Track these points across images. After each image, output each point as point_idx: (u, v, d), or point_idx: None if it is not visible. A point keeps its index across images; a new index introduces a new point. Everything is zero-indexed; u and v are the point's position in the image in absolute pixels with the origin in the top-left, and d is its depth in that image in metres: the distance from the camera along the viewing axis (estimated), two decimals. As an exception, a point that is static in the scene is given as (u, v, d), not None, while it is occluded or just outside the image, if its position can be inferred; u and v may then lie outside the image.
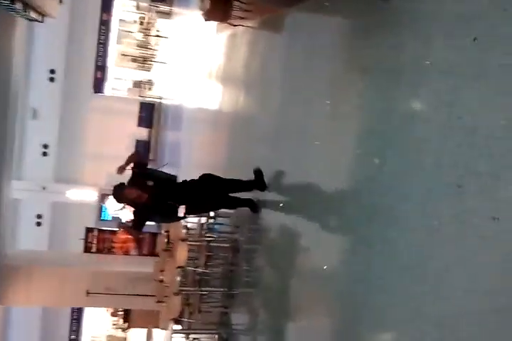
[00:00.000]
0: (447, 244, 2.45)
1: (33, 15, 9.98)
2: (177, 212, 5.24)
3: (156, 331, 7.32)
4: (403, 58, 3.08)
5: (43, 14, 10.50)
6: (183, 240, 5.35)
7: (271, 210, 5.44)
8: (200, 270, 6.09)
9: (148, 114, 21.41)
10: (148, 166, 5.64)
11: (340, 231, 3.79)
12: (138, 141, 21.36)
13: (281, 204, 5.07)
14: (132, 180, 5.28)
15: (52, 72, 21.12)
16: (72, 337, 21.40)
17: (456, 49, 2.55)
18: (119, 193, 5.25)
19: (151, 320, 10.15)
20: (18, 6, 8.94)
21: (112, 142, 20.98)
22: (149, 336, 7.38)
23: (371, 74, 3.48)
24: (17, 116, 19.61)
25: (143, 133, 21.76)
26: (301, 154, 4.83)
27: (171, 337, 5.61)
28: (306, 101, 4.79)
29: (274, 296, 5.09)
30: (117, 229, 10.27)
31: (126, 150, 21.06)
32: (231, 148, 8.18)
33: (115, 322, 20.21)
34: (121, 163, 5.39)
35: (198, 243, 6.22)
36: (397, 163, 3.02)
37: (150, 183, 5.14)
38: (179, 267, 5.42)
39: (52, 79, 21.29)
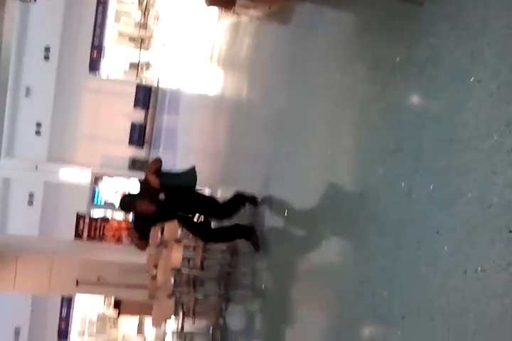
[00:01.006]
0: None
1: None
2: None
3: (147, 322, 7.07)
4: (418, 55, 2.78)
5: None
6: (178, 241, 5.06)
7: (273, 213, 5.16)
8: (195, 272, 5.80)
9: (145, 96, 21.00)
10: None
11: (343, 237, 3.52)
12: (133, 124, 20.98)
13: (285, 210, 4.79)
14: (144, 191, 5.01)
15: (47, 50, 20.67)
16: (63, 314, 21.30)
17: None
18: (129, 204, 4.98)
19: (142, 309, 9.93)
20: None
21: (107, 123, 20.65)
22: (140, 328, 7.14)
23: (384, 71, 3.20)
24: (9, 93, 19.32)
25: (139, 115, 21.39)
26: (303, 145, 4.54)
27: (164, 336, 5.34)
28: (311, 95, 4.50)
29: (271, 300, 4.84)
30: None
31: (121, 132, 20.78)
32: (230, 135, 7.87)
33: (106, 302, 20.16)
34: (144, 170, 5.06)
35: (193, 243, 5.91)
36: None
37: (162, 197, 4.89)
38: (173, 268, 5.13)
39: (47, 58, 20.86)
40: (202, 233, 5.32)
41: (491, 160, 2.20)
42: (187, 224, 5.29)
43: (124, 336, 20.98)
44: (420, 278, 2.54)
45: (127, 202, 5.07)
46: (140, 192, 5.07)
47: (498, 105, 2.21)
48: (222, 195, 7.60)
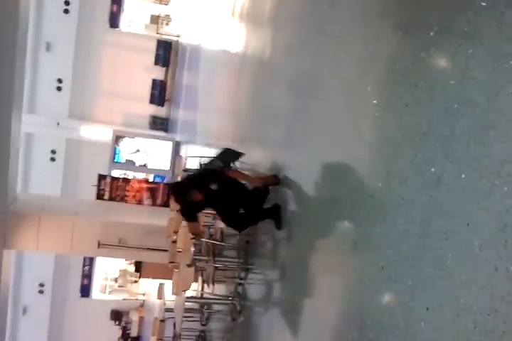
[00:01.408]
0: None
1: None
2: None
3: (167, 287, 7.16)
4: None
5: None
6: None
7: (294, 184, 5.04)
8: (215, 241, 5.79)
9: (166, 52, 20.66)
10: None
11: (366, 217, 3.40)
12: (154, 80, 20.75)
13: (307, 181, 4.64)
14: (198, 179, 4.99)
15: (66, 3, 20.33)
16: (85, 269, 21.83)
17: None
18: (180, 192, 4.96)
19: (162, 272, 10.08)
20: None
21: (128, 80, 20.48)
22: (160, 292, 7.24)
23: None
24: (29, 48, 19.17)
25: (159, 72, 21.13)
26: (326, 111, 4.36)
27: (184, 303, 5.37)
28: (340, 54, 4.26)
29: (290, 270, 4.80)
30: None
31: (141, 90, 20.61)
32: (252, 93, 7.69)
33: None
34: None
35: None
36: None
37: (214, 187, 4.87)
38: (193, 238, 5.10)
39: (66, 11, 20.54)
40: (237, 225, 5.33)
41: (529, 154, 2.05)
42: (227, 216, 5.29)
43: (145, 293, 21.49)
44: (447, 271, 2.44)
45: (179, 192, 5.06)
46: (193, 179, 5.04)
47: (541, 94, 2.04)
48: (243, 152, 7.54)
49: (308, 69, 5.05)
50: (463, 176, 2.42)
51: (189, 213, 5.13)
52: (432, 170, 2.66)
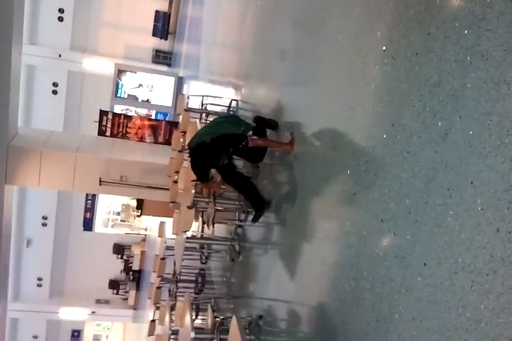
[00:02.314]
0: None
1: None
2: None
3: (168, 225, 7.24)
4: None
5: None
6: (189, 148, 4.90)
7: (296, 125, 4.95)
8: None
9: (170, -18, 19.93)
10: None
11: (370, 169, 3.33)
12: (157, 12, 20.12)
13: (311, 131, 4.53)
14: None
15: None
16: (88, 203, 22.12)
17: None
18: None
19: (163, 210, 10.16)
20: None
21: (130, 11, 19.87)
22: (161, 230, 7.32)
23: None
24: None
25: (163, 3, 20.45)
26: (333, 51, 4.20)
27: (184, 242, 5.42)
28: None
29: (291, 214, 4.81)
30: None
31: (144, 21, 20.04)
32: (258, 28, 7.42)
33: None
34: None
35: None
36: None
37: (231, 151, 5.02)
38: (194, 180, 5.06)
39: None
40: (231, 178, 5.34)
41: (543, 114, 1.96)
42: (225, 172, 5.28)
43: (147, 228, 21.85)
44: (447, 228, 2.41)
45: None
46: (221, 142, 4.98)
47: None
48: (246, 91, 7.41)
49: (317, 7, 4.84)
50: (471, 132, 2.34)
51: (201, 172, 5.07)
52: (439, 124, 2.57)
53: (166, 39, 20.48)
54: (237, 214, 6.24)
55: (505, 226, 2.07)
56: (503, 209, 2.09)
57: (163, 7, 20.48)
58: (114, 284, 22.97)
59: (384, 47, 3.28)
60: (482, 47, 2.31)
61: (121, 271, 23.19)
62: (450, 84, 2.52)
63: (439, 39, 2.65)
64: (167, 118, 15.88)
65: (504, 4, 2.19)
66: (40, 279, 22.08)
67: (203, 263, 8.11)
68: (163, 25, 20.10)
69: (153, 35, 20.24)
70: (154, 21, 20.14)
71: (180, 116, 7.72)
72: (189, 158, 5.26)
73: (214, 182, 5.33)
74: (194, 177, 5.08)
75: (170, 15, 20.31)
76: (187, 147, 5.16)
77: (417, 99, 2.78)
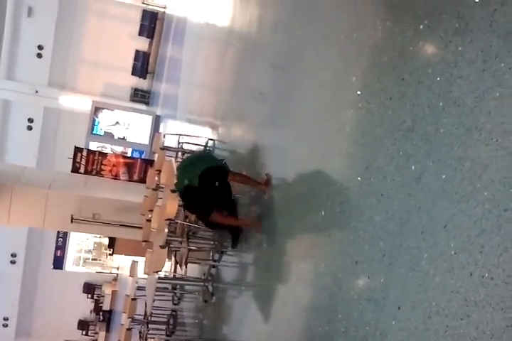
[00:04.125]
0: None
1: None
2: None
3: (140, 264, 7.12)
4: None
5: None
6: (174, 192, 4.89)
7: (271, 166, 4.98)
8: (189, 223, 5.73)
9: (151, 23, 20.20)
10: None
11: (344, 212, 3.34)
12: (137, 51, 20.35)
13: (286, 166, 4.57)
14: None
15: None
16: (59, 240, 21.67)
17: None
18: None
19: (135, 249, 10.01)
20: None
21: (110, 50, 20.06)
22: (133, 270, 7.18)
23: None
24: (9, 12, 18.63)
25: (143, 43, 20.71)
26: (309, 96, 4.27)
27: (156, 282, 5.32)
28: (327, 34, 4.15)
29: (265, 255, 4.78)
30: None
31: (124, 60, 20.23)
32: (236, 71, 7.54)
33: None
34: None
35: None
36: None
37: (217, 184, 4.95)
38: (168, 219, 5.02)
39: (50, -25, 19.91)
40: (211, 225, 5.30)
41: (512, 160, 2.00)
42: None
43: (119, 267, 21.43)
44: (421, 272, 2.41)
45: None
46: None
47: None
48: (223, 131, 7.45)
49: (294, 51, 4.94)
50: (443, 177, 2.37)
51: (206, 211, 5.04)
52: (413, 167, 2.61)
53: (145, 78, 20.66)
54: (211, 254, 6.16)
55: (478, 270, 2.07)
56: (476, 254, 2.10)
57: (143, 46, 20.73)
58: (83, 325, 22.29)
59: (359, 92, 3.36)
60: (454, 93, 2.37)
61: (91, 311, 22.55)
62: (423, 129, 2.57)
63: (413, 84, 2.72)
64: (143, 156, 15.85)
65: (475, 53, 2.27)
66: (6, 319, 21.34)
67: (175, 304, 7.94)
68: (142, 64, 20.30)
69: (133, 73, 20.40)
70: (134, 60, 20.33)
71: (156, 155, 7.71)
72: (181, 202, 5.29)
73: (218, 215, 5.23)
74: (168, 216, 5.04)
75: (149, 54, 20.55)
76: (174, 191, 5.10)
77: (391, 143, 2.83)
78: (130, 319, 7.23)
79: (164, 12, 20.73)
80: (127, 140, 16.44)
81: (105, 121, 16.14)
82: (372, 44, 3.27)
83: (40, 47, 20.35)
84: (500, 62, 2.13)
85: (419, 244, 2.45)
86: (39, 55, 20.41)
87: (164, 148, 7.32)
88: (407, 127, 2.70)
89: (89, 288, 22.58)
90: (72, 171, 10.95)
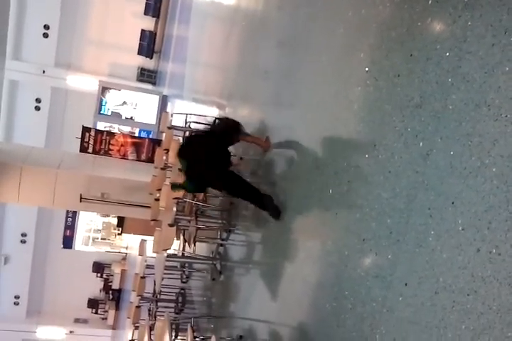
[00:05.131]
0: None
1: None
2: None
3: (149, 243, 7.18)
4: None
5: None
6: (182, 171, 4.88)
7: (281, 146, 4.97)
8: (198, 202, 5.74)
9: (156, 1, 20.02)
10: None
11: (352, 188, 3.33)
12: (143, 31, 20.20)
13: (293, 146, 4.55)
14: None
15: None
16: (69, 220, 21.84)
17: None
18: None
19: (144, 228, 10.08)
20: None
21: (116, 30, 19.92)
22: (142, 248, 7.25)
23: None
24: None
25: (149, 22, 20.55)
26: (317, 74, 4.24)
27: (164, 260, 5.37)
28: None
29: (273, 233, 4.79)
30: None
31: (130, 40, 20.10)
32: (242, 49, 7.49)
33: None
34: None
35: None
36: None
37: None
38: (176, 198, 5.04)
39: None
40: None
41: (522, 136, 1.99)
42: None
43: (128, 246, 21.59)
44: (428, 248, 2.42)
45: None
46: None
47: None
48: (230, 110, 7.42)
49: (300, 28, 4.89)
50: (452, 153, 2.36)
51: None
52: (421, 144, 2.60)
53: (152, 58, 20.54)
54: (219, 232, 6.20)
55: (485, 246, 2.08)
56: (483, 230, 2.10)
57: (149, 26, 20.58)
58: (93, 303, 22.58)
59: (367, 69, 3.33)
60: (463, 69, 2.34)
61: (100, 290, 22.82)
62: (431, 106, 2.55)
63: (421, 61, 2.69)
64: (150, 136, 15.85)
65: (484, 28, 2.24)
66: (17, 297, 21.63)
67: (183, 282, 8.02)
68: (148, 44, 20.16)
69: (139, 53, 20.27)
70: (140, 40, 20.19)
71: (164, 134, 7.71)
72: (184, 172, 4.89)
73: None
74: (176, 194, 5.06)
75: (156, 34, 20.40)
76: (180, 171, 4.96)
77: (399, 120, 2.81)
78: (139, 297, 7.31)
79: (170, -10, 20.52)
80: (135, 120, 16.42)
81: (112, 101, 16.11)
82: (381, 20, 3.23)
83: (46, 27, 20.23)
84: (510, 36, 2.10)
85: (427, 220, 2.46)
86: (45, 35, 20.29)
87: (172, 127, 7.31)
88: (415, 104, 2.68)
89: (99, 268, 22.82)
90: (80, 151, 10.97)
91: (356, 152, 3.32)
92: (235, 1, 8.62)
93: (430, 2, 2.66)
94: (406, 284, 2.55)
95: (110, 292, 21.70)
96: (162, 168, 6.93)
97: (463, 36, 2.37)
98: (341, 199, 3.44)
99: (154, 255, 6.24)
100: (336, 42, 3.97)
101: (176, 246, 6.63)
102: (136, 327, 7.78)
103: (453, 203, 2.30)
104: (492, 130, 2.13)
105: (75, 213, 21.47)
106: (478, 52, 2.26)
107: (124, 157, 10.93)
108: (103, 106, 15.92)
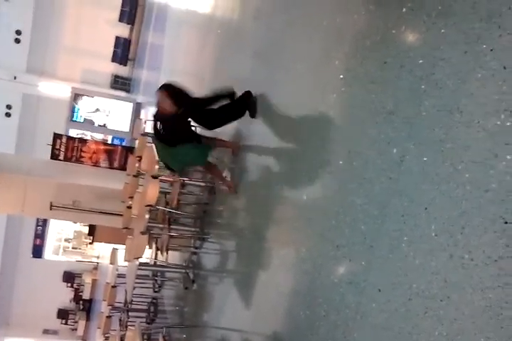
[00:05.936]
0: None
1: None
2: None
3: (120, 252, 7.07)
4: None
5: None
6: (155, 177, 4.84)
7: (253, 152, 4.96)
8: (171, 210, 5.68)
9: (132, 8, 19.92)
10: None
11: (326, 192, 3.34)
12: (118, 38, 20.08)
13: (264, 154, 4.55)
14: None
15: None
16: (38, 229, 21.46)
17: None
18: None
19: (116, 237, 9.94)
20: None
21: (90, 35, 19.75)
22: (113, 257, 7.14)
23: None
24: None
25: (124, 29, 20.44)
26: (293, 75, 4.25)
27: (136, 269, 5.28)
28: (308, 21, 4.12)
29: (246, 241, 4.76)
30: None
31: (104, 47, 19.96)
32: (218, 58, 7.48)
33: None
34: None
35: (171, 179, 5.73)
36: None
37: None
38: (149, 205, 4.97)
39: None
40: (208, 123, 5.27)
41: (493, 142, 2.01)
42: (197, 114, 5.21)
43: (99, 255, 21.30)
44: (401, 254, 2.42)
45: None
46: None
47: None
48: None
49: (275, 38, 4.90)
50: (425, 159, 2.37)
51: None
52: (394, 150, 2.61)
53: (126, 65, 20.41)
54: (192, 240, 6.14)
55: (458, 251, 2.08)
56: (456, 235, 2.11)
57: (124, 33, 20.47)
58: (63, 314, 22.17)
59: (341, 76, 3.34)
60: (436, 76, 2.36)
61: (70, 300, 22.43)
62: (405, 112, 2.57)
63: (395, 68, 2.71)
64: (123, 144, 15.71)
65: (457, 35, 2.26)
66: (-16, 309, 21.15)
67: (155, 291, 7.92)
68: (123, 51, 20.04)
69: (113, 60, 20.14)
70: (114, 47, 20.07)
71: (137, 141, 7.64)
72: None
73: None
74: (149, 202, 4.99)
75: (130, 41, 20.30)
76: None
77: (373, 127, 2.82)
78: (110, 306, 7.19)
79: (145, -3, 20.46)
80: (108, 127, 16.25)
81: (85, 108, 15.92)
82: (356, 28, 3.25)
83: (18, 33, 19.97)
84: (483, 44, 2.12)
85: (400, 226, 2.46)
86: (17, 41, 20.02)
87: (145, 134, 7.25)
88: (388, 110, 2.70)
89: (69, 277, 22.44)
90: (51, 158, 10.81)
91: (330, 158, 3.32)
92: (211, 9, 8.62)
93: (405, 10, 2.69)
94: (379, 290, 2.54)
95: (81, 302, 21.35)
96: (135, 176, 6.85)
97: (436, 43, 2.39)
98: (315, 206, 3.44)
99: (126, 264, 6.15)
100: (311, 50, 3.98)
101: (148, 254, 6.55)
102: (107, 338, 7.65)
103: (426, 209, 2.31)
104: (464, 136, 2.14)
105: (45, 221, 21.10)
106: (451, 59, 2.28)
107: (96, 164, 10.80)
108: (75, 113, 15.72)
